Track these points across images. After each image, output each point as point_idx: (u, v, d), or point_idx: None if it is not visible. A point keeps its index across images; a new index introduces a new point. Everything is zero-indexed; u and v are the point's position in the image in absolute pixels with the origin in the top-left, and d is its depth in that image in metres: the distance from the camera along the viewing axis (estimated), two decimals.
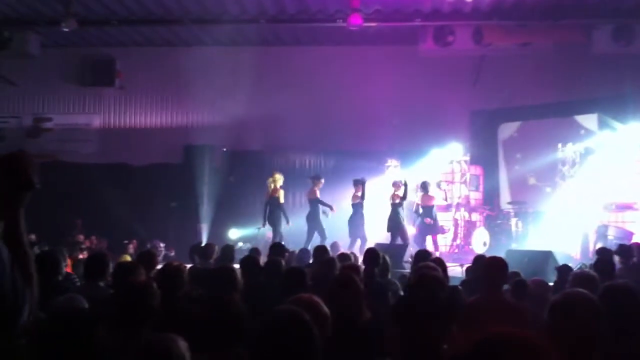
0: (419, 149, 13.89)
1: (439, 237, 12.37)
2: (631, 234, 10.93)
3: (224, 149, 15.00)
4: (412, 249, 10.38)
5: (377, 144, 14.14)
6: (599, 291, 3.25)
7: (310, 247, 8.53)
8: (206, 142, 14.72)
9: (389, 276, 6.20)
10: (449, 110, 13.86)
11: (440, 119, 13.86)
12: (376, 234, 12.23)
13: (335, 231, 11.80)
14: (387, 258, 6.16)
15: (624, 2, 11.85)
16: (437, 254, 9.53)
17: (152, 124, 15.49)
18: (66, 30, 12.13)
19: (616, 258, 6.96)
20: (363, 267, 5.87)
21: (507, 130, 14.59)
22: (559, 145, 12.58)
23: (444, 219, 13.09)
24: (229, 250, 7.51)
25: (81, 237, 12.68)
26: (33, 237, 10.03)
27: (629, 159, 11.86)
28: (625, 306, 3.09)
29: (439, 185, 13.15)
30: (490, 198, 14.28)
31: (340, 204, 12.33)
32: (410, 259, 8.64)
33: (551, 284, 6.18)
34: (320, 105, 14.14)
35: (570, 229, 11.49)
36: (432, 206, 12.16)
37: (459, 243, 13.31)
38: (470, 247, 12.62)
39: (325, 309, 2.83)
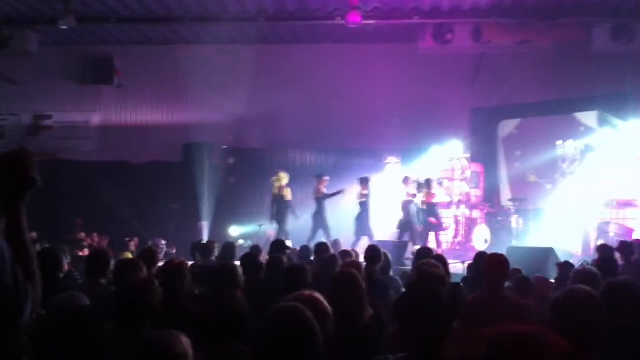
0: (419, 146, 13.90)
1: (441, 234, 12.41)
2: (632, 230, 10.95)
3: (224, 147, 14.98)
4: (413, 246, 10.39)
5: (376, 142, 14.14)
6: (600, 288, 3.25)
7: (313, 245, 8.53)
8: (206, 139, 14.71)
9: (391, 273, 6.20)
10: (449, 108, 13.86)
11: (440, 116, 13.86)
12: (381, 231, 12.28)
13: (337, 229, 11.81)
14: (389, 255, 6.16)
15: (624, 0, 11.84)
16: (439, 251, 9.54)
17: (151, 121, 15.46)
18: (65, 28, 12.12)
19: (617, 255, 6.96)
20: (364, 264, 5.86)
21: (507, 127, 14.59)
22: (559, 142, 12.59)
23: (444, 216, 13.11)
24: (230, 247, 7.50)
25: (82, 235, 12.67)
26: (34, 235, 10.02)
27: (630, 156, 11.86)
28: (627, 303, 3.09)
29: (440, 183, 13.16)
30: (491, 195, 14.28)
31: (340, 202, 12.33)
32: (411, 256, 8.64)
33: (552, 280, 6.19)
34: (319, 103, 14.14)
35: (571, 226, 11.51)
36: (435, 204, 12.17)
37: (460, 240, 13.33)
38: (471, 244, 12.64)
39: (327, 306, 2.83)
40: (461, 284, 5.21)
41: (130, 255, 8.68)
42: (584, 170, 12.02)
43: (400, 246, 10.61)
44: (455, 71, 13.97)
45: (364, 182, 11.95)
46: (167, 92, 15.24)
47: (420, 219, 12.08)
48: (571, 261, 7.10)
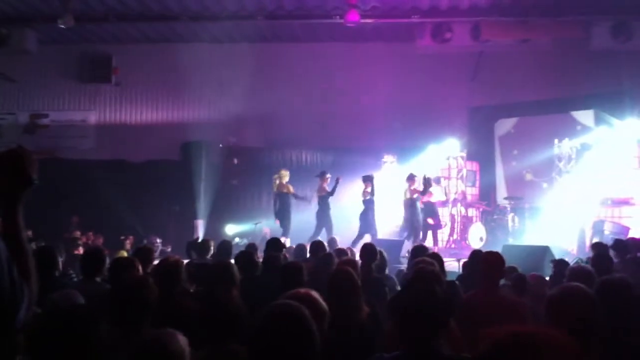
0: (416, 144, 13.90)
1: (438, 232, 12.42)
2: (627, 229, 10.98)
3: (220, 145, 14.97)
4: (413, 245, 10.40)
5: (374, 140, 14.14)
6: (595, 286, 3.26)
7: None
8: (204, 138, 14.69)
9: (386, 271, 6.21)
10: (446, 107, 13.88)
11: (437, 115, 13.88)
12: (383, 229, 12.32)
13: (336, 229, 11.78)
14: (384, 253, 6.17)
15: None
16: (435, 249, 9.54)
17: (149, 120, 15.45)
18: (63, 27, 12.10)
19: (612, 253, 6.97)
20: (360, 262, 5.86)
21: (504, 126, 14.61)
22: (556, 141, 12.61)
23: (440, 214, 13.10)
24: (225, 245, 7.48)
25: (78, 233, 12.66)
26: (29, 233, 9.99)
27: (626, 154, 11.89)
28: (622, 300, 3.10)
29: (438, 181, 13.17)
30: (487, 193, 14.32)
31: (339, 200, 12.32)
32: (407, 254, 8.65)
33: (547, 277, 6.21)
34: (317, 101, 14.15)
35: (567, 224, 11.53)
36: (434, 203, 12.17)
37: (455, 238, 13.34)
38: (467, 242, 12.65)
39: (323, 304, 2.83)
40: (457, 282, 5.22)
41: (125, 254, 8.68)
42: (580, 168, 12.06)
43: (395, 244, 10.61)
44: (454, 70, 13.99)
45: (368, 180, 11.90)
46: (165, 90, 15.23)
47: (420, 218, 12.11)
48: (566, 259, 7.12)
